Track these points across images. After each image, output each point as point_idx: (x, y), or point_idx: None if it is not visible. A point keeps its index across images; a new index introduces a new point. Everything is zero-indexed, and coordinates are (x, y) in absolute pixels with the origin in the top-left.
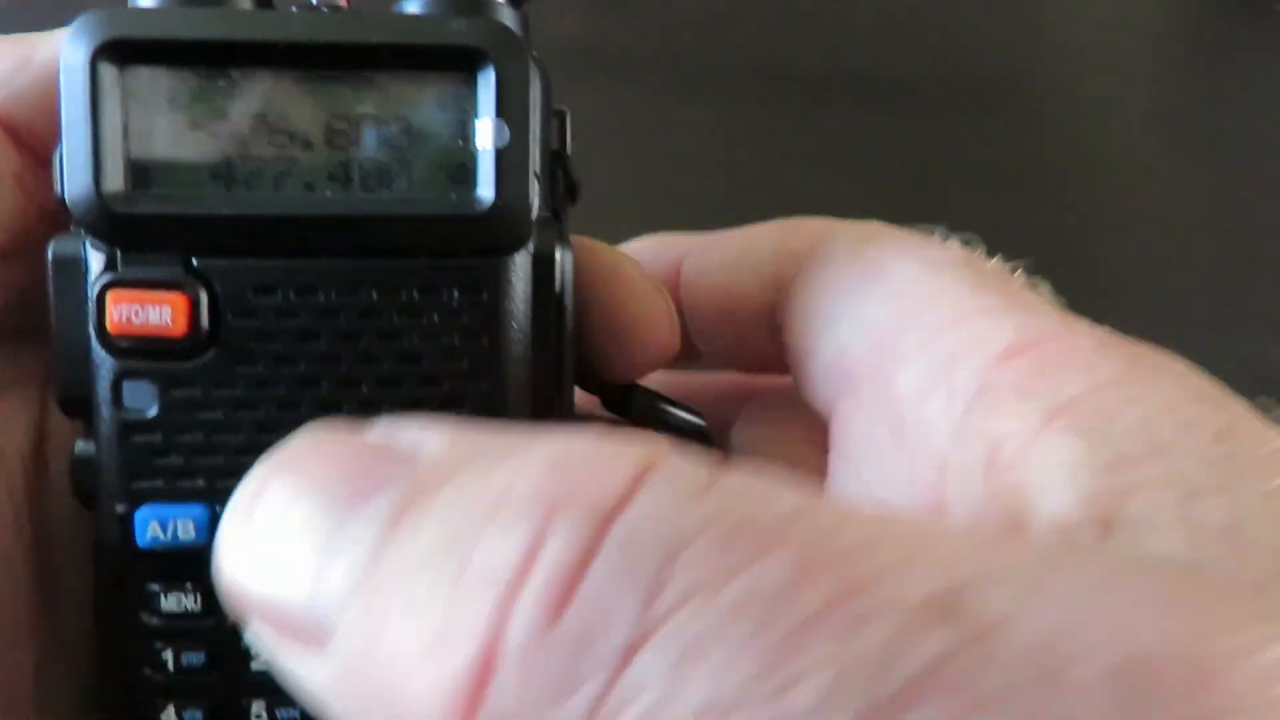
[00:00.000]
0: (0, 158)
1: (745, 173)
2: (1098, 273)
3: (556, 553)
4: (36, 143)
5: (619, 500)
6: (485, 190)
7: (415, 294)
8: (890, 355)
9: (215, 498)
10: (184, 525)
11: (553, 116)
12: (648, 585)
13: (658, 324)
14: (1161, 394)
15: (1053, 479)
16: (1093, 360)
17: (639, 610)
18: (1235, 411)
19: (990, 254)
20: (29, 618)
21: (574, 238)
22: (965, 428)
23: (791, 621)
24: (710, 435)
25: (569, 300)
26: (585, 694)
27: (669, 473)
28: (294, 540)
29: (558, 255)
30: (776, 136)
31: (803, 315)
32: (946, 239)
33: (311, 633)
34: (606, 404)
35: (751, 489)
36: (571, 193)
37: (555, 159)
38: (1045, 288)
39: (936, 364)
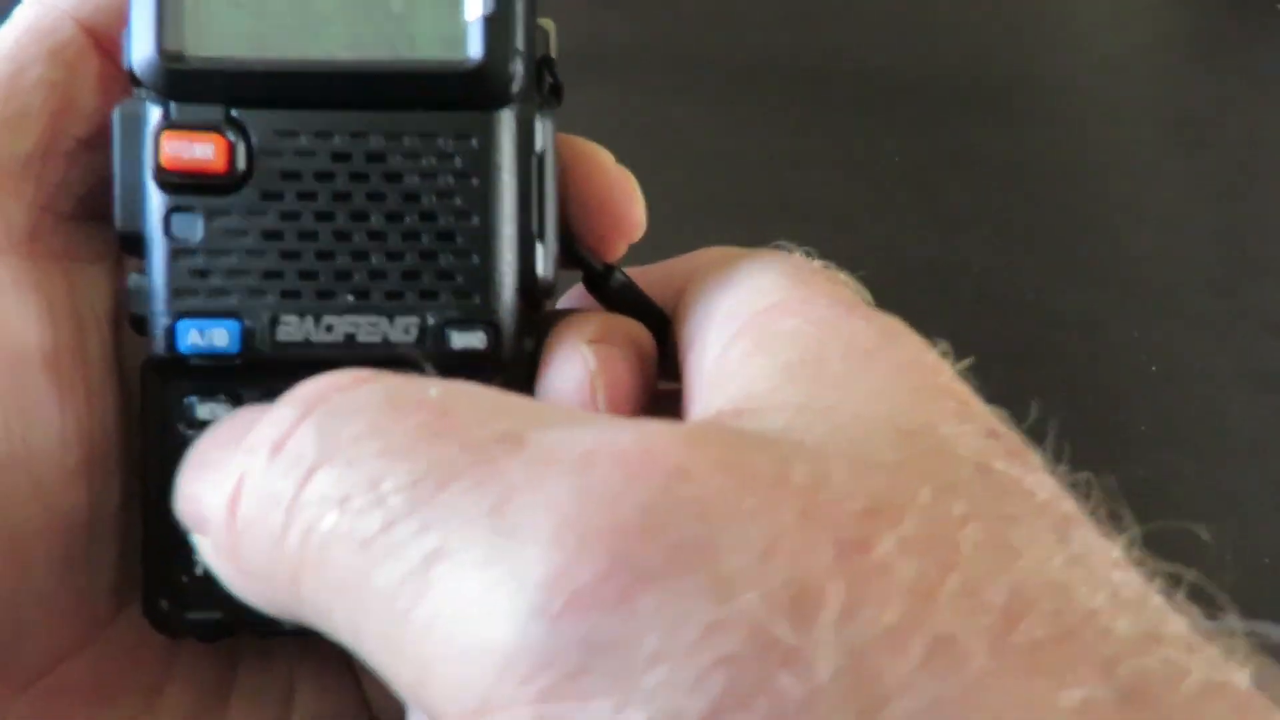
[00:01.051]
0: (85, 60)
1: (745, 172)
2: (1098, 272)
3: (281, 420)
4: (114, 47)
5: (333, 391)
6: (474, 49)
7: (416, 140)
8: (710, 324)
9: (246, 313)
10: (219, 334)
11: (541, 28)
12: (329, 436)
13: (625, 200)
14: (848, 328)
15: (732, 385)
16: (815, 309)
17: (318, 452)
18: (902, 342)
19: (990, 253)
20: (118, 455)
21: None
22: (717, 358)
23: (398, 445)
24: (666, 326)
25: (549, 161)
26: (285, 497)
27: (377, 381)
28: (203, 470)
29: (538, 121)
30: (776, 136)
31: (681, 315)
32: (801, 252)
33: (202, 525)
34: (586, 281)
35: (415, 384)
36: (557, 93)
37: (543, 63)
38: (851, 280)
39: (727, 321)
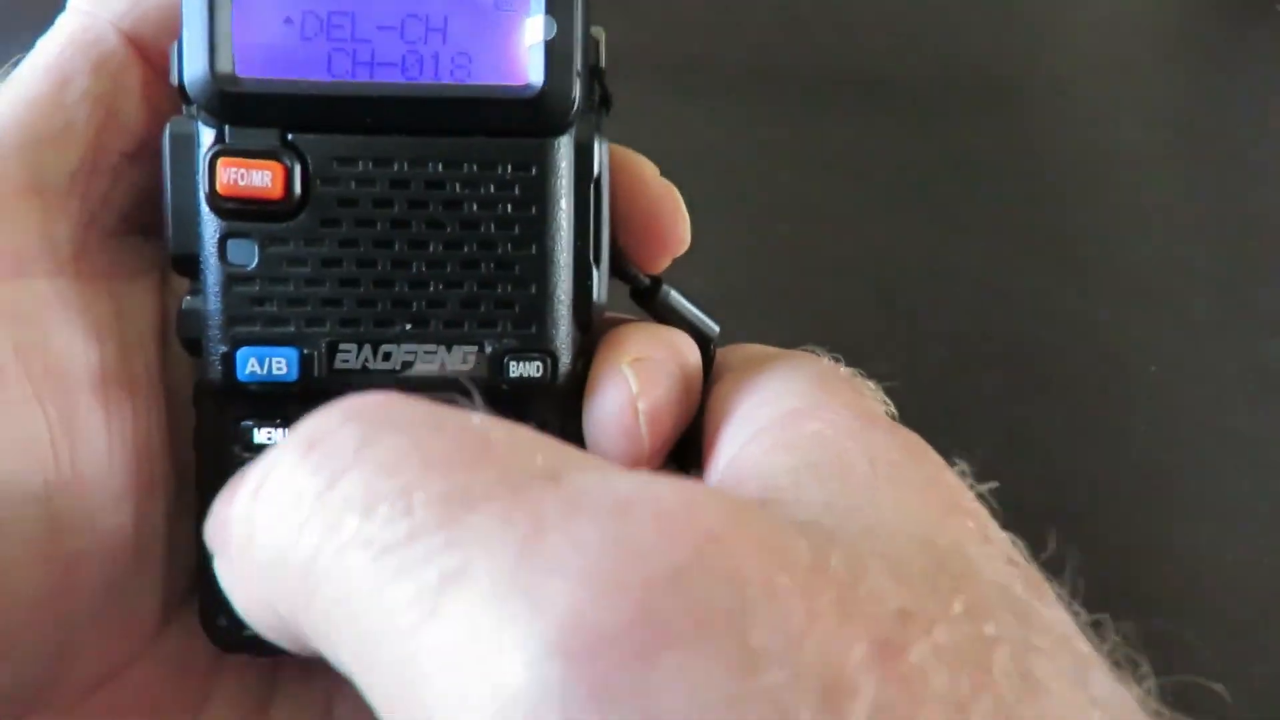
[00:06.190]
0: (130, 72)
1: (745, 173)
2: (1098, 273)
3: (323, 421)
4: (157, 57)
5: (382, 403)
6: (535, 76)
7: (474, 168)
8: (732, 423)
9: (304, 341)
10: (277, 363)
11: (591, 34)
12: (369, 443)
13: (671, 217)
14: (872, 438)
15: (753, 480)
16: (838, 417)
17: (355, 455)
18: (926, 460)
19: (990, 253)
20: (162, 473)
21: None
22: (735, 455)
23: (436, 461)
24: (714, 340)
25: (605, 184)
26: (311, 494)
27: (424, 403)
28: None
29: (596, 144)
30: (776, 136)
31: (708, 412)
32: (829, 357)
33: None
34: (634, 295)
35: (461, 412)
36: (606, 103)
37: (593, 74)
38: (872, 385)
39: (747, 422)
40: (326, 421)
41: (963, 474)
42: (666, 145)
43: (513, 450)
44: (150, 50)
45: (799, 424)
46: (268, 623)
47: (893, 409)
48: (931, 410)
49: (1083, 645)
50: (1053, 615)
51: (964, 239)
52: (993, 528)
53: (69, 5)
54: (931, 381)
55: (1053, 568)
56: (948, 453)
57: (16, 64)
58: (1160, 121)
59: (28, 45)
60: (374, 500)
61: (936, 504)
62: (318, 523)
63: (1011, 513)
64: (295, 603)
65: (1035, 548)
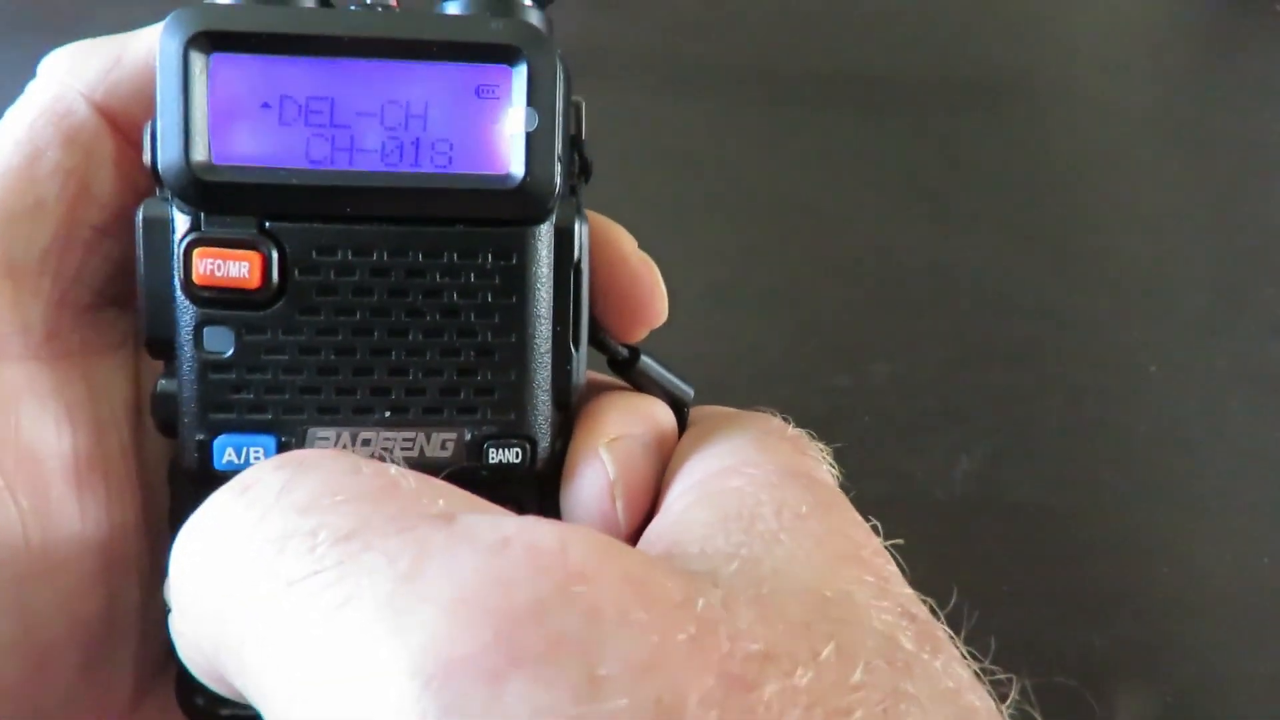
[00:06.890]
0: (101, 144)
1: (745, 173)
2: (1098, 272)
3: (259, 468)
4: (130, 129)
5: (310, 455)
6: (516, 168)
7: (455, 257)
8: (676, 482)
9: (282, 429)
10: (255, 451)
11: (571, 105)
12: (292, 488)
13: (648, 293)
14: (785, 492)
15: (670, 532)
16: (761, 473)
17: (278, 496)
18: (835, 513)
19: (990, 253)
20: (136, 550)
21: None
22: (664, 510)
23: (344, 502)
24: (688, 404)
25: (585, 267)
26: (242, 530)
27: (348, 455)
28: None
29: (576, 227)
30: (776, 136)
31: (668, 470)
32: (780, 418)
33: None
34: (611, 365)
35: (381, 464)
36: (585, 172)
37: (572, 142)
38: (819, 446)
39: (685, 479)
40: (261, 468)
41: (875, 529)
42: (666, 145)
43: (417, 495)
44: (122, 121)
45: (723, 480)
46: (201, 666)
47: (836, 470)
48: (931, 410)
49: (975, 699)
50: (943, 668)
51: (964, 239)
52: (895, 582)
53: (39, 73)
54: (931, 381)
55: (969, 630)
56: (949, 451)
57: None
58: (1160, 121)
59: (27, 45)
60: (287, 537)
61: (834, 555)
62: (239, 558)
63: (1012, 513)
64: (217, 637)
65: (1034, 546)
